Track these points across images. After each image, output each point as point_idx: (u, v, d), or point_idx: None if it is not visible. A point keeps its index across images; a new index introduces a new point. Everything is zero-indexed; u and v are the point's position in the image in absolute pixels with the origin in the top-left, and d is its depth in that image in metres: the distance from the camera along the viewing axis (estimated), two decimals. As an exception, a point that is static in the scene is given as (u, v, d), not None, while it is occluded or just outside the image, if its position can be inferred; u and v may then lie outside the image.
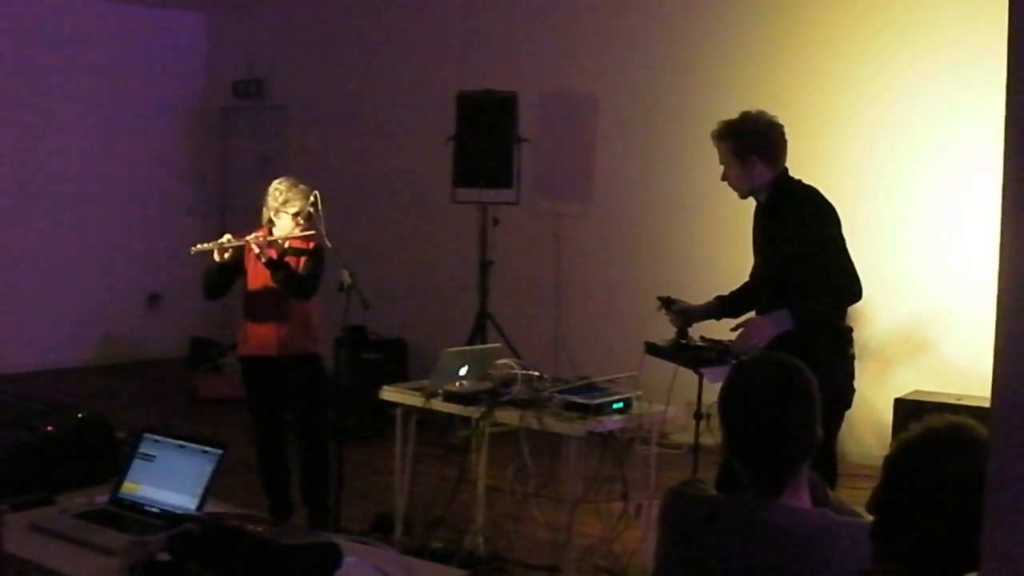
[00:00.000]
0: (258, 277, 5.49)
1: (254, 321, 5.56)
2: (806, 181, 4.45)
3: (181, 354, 10.67)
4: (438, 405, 5.06)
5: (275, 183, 5.53)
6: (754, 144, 4.37)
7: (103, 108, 10.80)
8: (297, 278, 5.44)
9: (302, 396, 5.63)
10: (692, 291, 5.06)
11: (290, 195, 5.44)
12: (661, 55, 8.39)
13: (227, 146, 11.71)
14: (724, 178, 4.49)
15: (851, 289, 4.26)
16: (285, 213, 5.43)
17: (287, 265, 5.40)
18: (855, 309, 4.37)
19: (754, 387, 2.39)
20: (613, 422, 4.75)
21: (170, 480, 3.13)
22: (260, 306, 5.52)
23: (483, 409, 4.84)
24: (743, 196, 4.52)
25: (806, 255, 4.25)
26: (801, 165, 4.52)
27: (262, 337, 5.52)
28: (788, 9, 7.81)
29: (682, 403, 5.13)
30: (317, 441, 5.66)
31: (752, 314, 4.51)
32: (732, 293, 4.75)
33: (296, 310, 5.51)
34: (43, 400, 3.80)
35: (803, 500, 2.38)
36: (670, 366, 4.60)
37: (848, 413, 4.34)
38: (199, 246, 5.40)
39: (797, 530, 2.29)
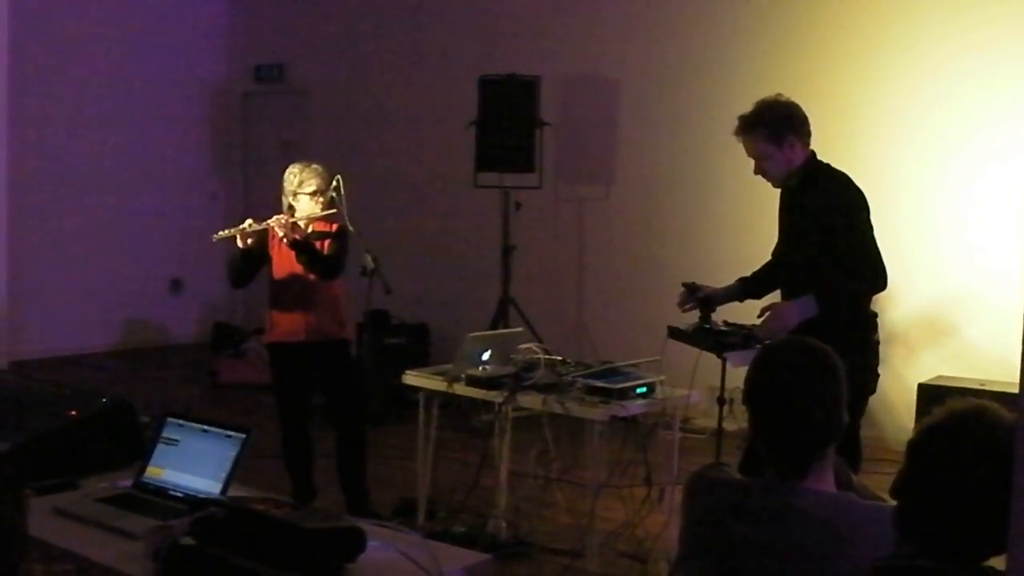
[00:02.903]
0: (284, 264, 5.46)
1: (281, 308, 5.53)
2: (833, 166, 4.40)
3: (203, 339, 10.71)
4: (461, 390, 5.06)
5: (289, 168, 5.51)
6: (788, 124, 4.29)
7: (124, 93, 10.81)
8: (322, 259, 5.40)
9: (333, 382, 5.59)
10: (715, 275, 5.03)
11: (304, 175, 5.41)
12: (683, 38, 8.35)
13: (248, 131, 11.72)
14: (758, 171, 4.38)
15: (877, 278, 4.20)
16: (303, 194, 5.39)
17: (312, 246, 5.37)
18: (879, 294, 4.33)
19: (780, 370, 2.37)
20: (636, 407, 4.73)
21: (193, 464, 3.13)
22: (287, 293, 5.49)
23: (506, 394, 4.83)
24: (779, 185, 4.42)
25: (833, 241, 4.19)
26: (825, 149, 4.46)
27: (290, 323, 5.49)
28: (812, -9, 7.78)
29: (705, 388, 5.11)
30: (354, 426, 5.64)
31: (776, 297, 4.48)
32: (755, 274, 4.71)
33: (324, 295, 5.48)
34: (66, 385, 3.80)
35: (828, 484, 2.37)
36: (693, 350, 4.57)
37: (872, 398, 4.31)
38: (221, 233, 5.40)
39: (822, 513, 2.28)
